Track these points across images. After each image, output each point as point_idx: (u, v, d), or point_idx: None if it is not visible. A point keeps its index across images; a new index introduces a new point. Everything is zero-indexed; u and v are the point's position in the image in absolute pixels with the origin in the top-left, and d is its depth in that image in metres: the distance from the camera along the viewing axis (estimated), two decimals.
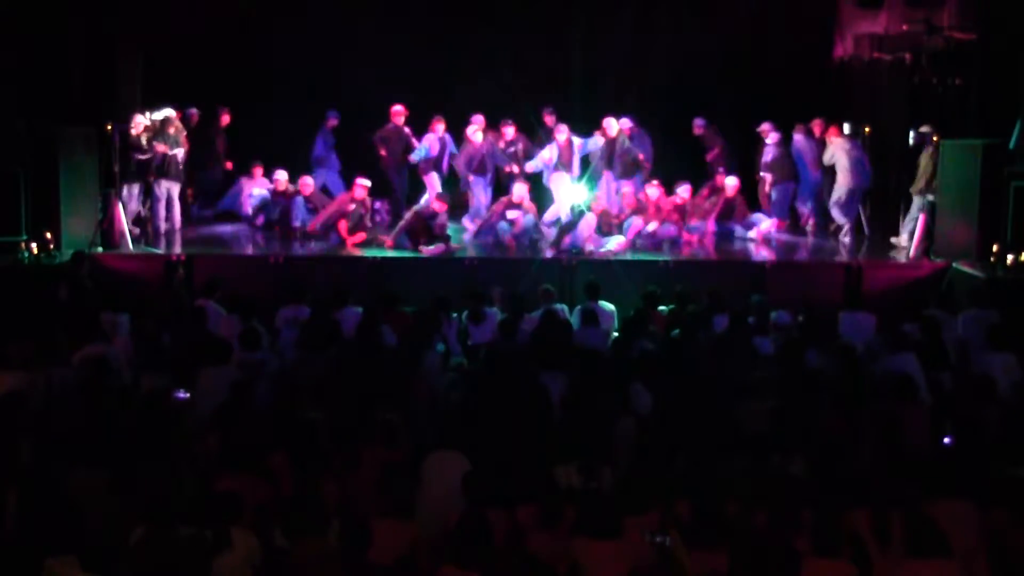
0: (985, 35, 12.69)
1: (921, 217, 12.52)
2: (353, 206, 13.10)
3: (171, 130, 13.41)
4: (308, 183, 13.69)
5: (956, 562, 5.56)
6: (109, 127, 12.50)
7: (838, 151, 13.42)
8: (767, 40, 15.42)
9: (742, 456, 6.64)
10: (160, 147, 13.12)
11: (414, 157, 14.11)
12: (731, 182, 13.76)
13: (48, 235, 11.88)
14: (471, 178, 14.03)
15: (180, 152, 13.46)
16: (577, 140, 13.84)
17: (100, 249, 12.10)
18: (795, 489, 6.21)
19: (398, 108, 14.37)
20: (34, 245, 11.73)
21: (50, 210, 11.98)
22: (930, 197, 12.55)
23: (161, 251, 12.36)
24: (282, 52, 15.44)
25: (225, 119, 14.72)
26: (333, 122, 14.87)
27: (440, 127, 14.16)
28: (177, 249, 12.46)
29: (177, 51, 14.52)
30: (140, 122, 13.06)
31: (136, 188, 13.16)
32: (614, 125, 13.88)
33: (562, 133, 13.72)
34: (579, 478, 6.40)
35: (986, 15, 12.76)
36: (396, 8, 15.55)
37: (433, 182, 14.04)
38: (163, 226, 13.37)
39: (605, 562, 5.64)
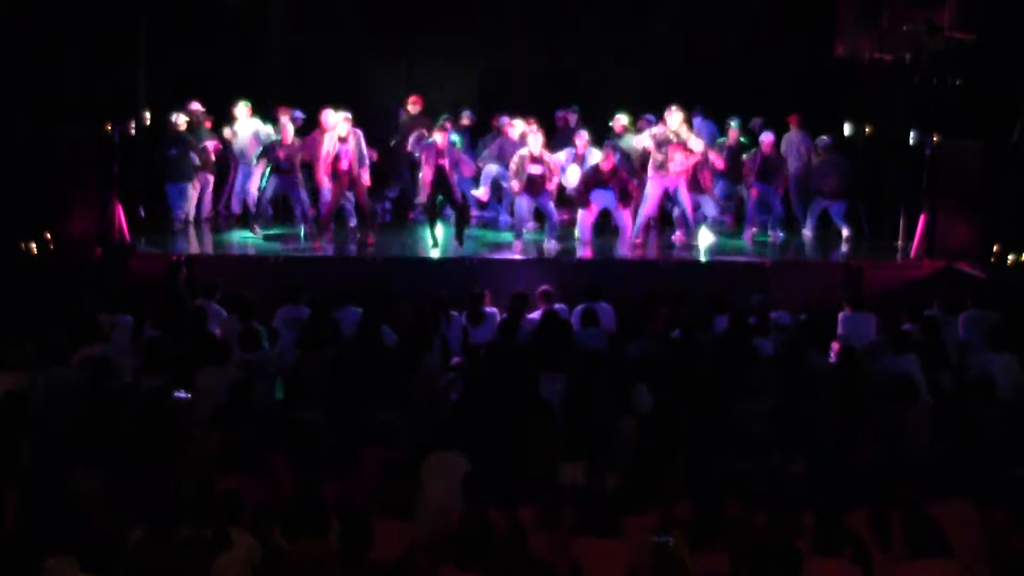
0: (985, 35, 12.69)
1: (921, 217, 12.54)
2: (336, 145, 12.66)
3: (208, 124, 13.79)
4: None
5: (956, 562, 5.56)
6: (109, 127, 12.50)
7: (790, 143, 14.02)
8: (767, 40, 15.43)
9: (742, 456, 6.64)
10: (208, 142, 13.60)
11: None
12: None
13: (48, 235, 11.88)
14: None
15: (211, 144, 13.76)
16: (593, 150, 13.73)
17: (100, 249, 12.09)
18: (795, 489, 6.21)
19: (414, 98, 14.37)
20: (34, 245, 11.73)
21: (50, 210, 11.97)
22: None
23: (160, 251, 12.37)
24: (285, 51, 15.50)
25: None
26: (466, 121, 14.51)
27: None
28: (179, 249, 12.45)
29: (178, 50, 14.53)
30: (182, 120, 13.35)
31: (188, 185, 13.45)
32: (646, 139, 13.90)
33: (581, 139, 13.53)
34: (584, 477, 6.41)
35: (986, 15, 12.76)
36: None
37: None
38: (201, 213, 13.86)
39: (605, 562, 5.64)
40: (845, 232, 13.49)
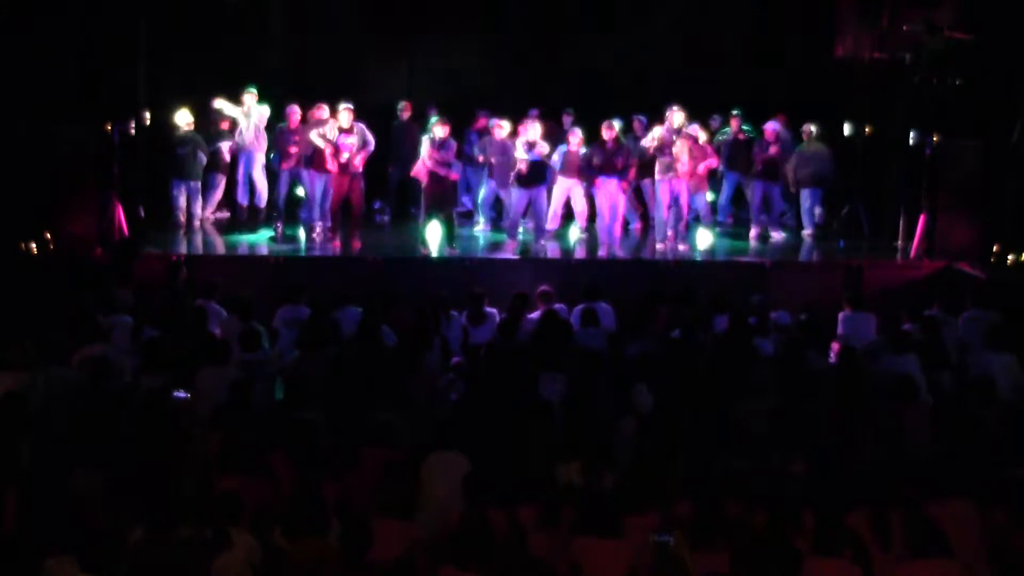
0: (985, 35, 12.69)
1: (921, 217, 12.55)
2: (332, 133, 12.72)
3: (225, 125, 13.76)
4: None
5: (956, 562, 5.56)
6: (109, 127, 12.50)
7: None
8: (767, 40, 15.44)
9: (742, 456, 6.64)
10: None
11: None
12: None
13: (48, 235, 11.88)
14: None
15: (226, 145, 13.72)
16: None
17: (100, 249, 12.09)
18: (795, 489, 6.21)
19: (406, 105, 14.32)
20: (34, 245, 11.73)
21: (50, 210, 11.97)
22: None
23: (160, 251, 12.37)
24: (285, 51, 15.50)
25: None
26: (483, 122, 14.41)
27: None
28: (179, 249, 12.44)
29: (178, 50, 14.53)
30: (190, 119, 13.33)
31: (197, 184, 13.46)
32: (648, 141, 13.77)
33: (576, 136, 13.26)
34: (581, 477, 6.41)
35: (986, 15, 12.76)
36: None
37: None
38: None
39: (605, 562, 5.64)
40: (818, 211, 13.67)
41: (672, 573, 5.33)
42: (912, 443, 7.24)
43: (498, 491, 6.14)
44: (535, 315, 9.90)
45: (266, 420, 7.29)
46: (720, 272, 12.19)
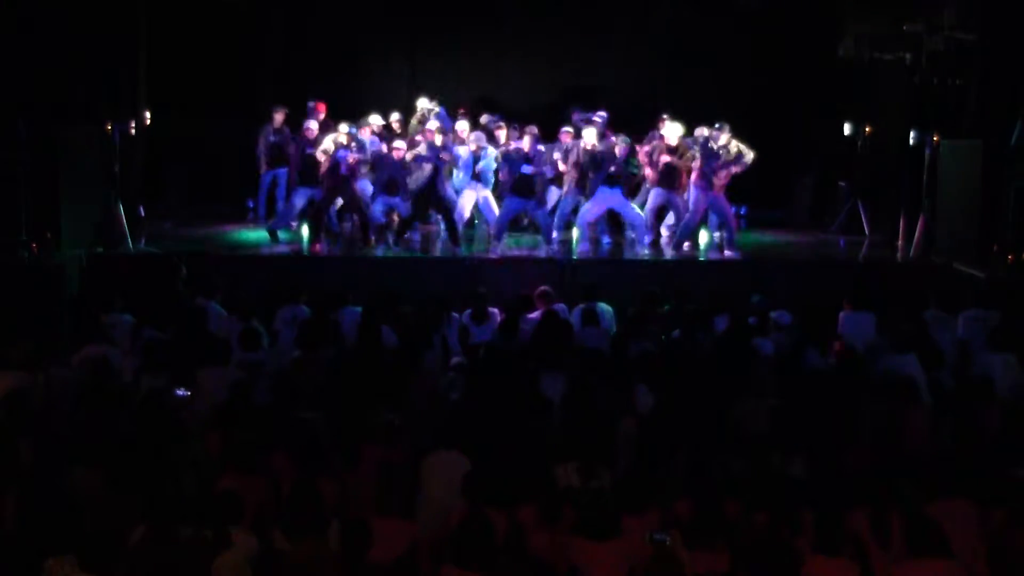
0: (985, 35, 12.70)
1: (921, 217, 12.55)
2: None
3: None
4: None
5: (956, 562, 5.57)
6: (109, 127, 12.50)
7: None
8: (767, 40, 15.45)
9: (742, 456, 6.64)
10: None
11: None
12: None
13: (48, 235, 11.88)
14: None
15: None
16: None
17: (100, 249, 12.10)
18: (795, 489, 6.21)
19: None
20: (34, 245, 11.74)
21: (50, 210, 11.98)
22: None
23: (160, 251, 12.37)
24: (285, 51, 15.51)
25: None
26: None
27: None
28: (179, 249, 12.44)
29: (178, 50, 14.54)
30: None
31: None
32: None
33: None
34: (579, 477, 6.41)
35: (986, 15, 12.77)
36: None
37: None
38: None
39: (605, 562, 5.64)
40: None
41: (668, 572, 5.33)
42: (912, 443, 7.24)
43: (498, 491, 6.14)
44: (535, 315, 9.90)
45: (266, 420, 7.29)
46: (720, 272, 12.19)
